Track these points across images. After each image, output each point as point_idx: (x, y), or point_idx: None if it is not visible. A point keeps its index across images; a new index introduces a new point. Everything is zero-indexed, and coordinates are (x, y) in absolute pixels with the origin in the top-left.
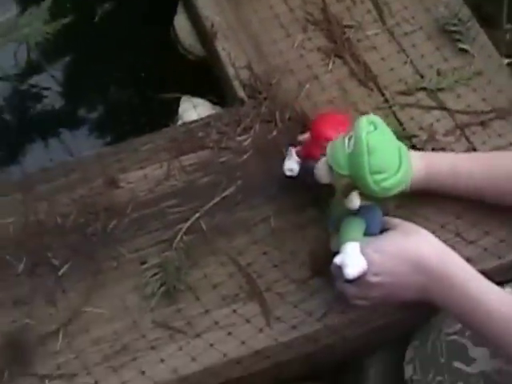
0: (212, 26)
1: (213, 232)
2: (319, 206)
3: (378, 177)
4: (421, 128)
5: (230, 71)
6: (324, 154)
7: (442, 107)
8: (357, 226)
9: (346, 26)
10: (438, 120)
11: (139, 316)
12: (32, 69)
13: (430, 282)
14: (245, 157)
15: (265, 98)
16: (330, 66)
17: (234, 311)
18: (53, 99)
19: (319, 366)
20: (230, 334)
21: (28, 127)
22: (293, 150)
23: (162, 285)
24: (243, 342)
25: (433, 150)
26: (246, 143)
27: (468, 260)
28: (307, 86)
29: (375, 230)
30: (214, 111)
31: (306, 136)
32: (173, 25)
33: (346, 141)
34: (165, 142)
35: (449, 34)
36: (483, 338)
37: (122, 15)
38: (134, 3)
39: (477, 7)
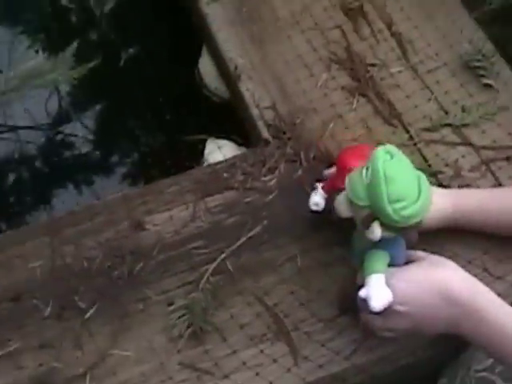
0: (236, 68)
1: (239, 272)
2: (345, 244)
3: (397, 205)
4: (446, 164)
5: (254, 112)
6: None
7: (467, 143)
8: (380, 258)
9: (369, 65)
10: (463, 156)
11: (166, 358)
12: (60, 115)
13: (460, 315)
14: (270, 197)
15: (289, 138)
16: (354, 105)
17: (262, 351)
18: (80, 144)
19: None
20: (257, 374)
21: (55, 172)
22: (319, 185)
23: (188, 326)
24: (271, 383)
25: (459, 186)
26: (271, 183)
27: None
28: (331, 125)
29: (399, 262)
30: (239, 152)
31: (331, 170)
32: (197, 67)
33: (364, 172)
34: (190, 184)
35: (473, 69)
36: None
37: (147, 58)
38: (158, 46)
39: (502, 43)
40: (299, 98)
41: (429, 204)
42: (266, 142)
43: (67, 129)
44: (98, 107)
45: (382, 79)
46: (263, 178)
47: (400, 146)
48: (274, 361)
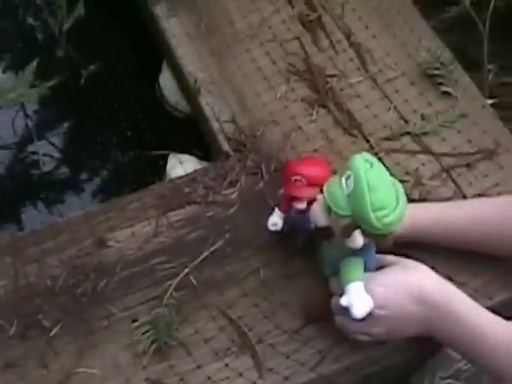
0: (195, 81)
1: (203, 286)
2: (307, 255)
3: (380, 213)
4: (407, 173)
5: (215, 126)
6: (298, 198)
7: (428, 151)
8: (357, 265)
9: (328, 76)
10: (423, 164)
11: (132, 374)
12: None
13: (434, 316)
14: (232, 210)
15: (250, 151)
16: (314, 116)
17: (227, 365)
18: (43, 162)
19: None
20: None
21: (18, 191)
22: (275, 208)
23: (153, 342)
24: None
25: (420, 194)
26: (232, 196)
27: None
28: (292, 136)
29: (372, 268)
30: (200, 166)
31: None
32: (158, 82)
33: (344, 181)
34: (152, 199)
35: (431, 78)
36: (489, 373)
37: (108, 75)
38: (118, 63)
39: (460, 51)
40: (259, 110)
41: (405, 210)
42: (227, 156)
43: (30, 147)
44: (59, 125)
45: (341, 90)
46: (225, 192)
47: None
48: (240, 374)
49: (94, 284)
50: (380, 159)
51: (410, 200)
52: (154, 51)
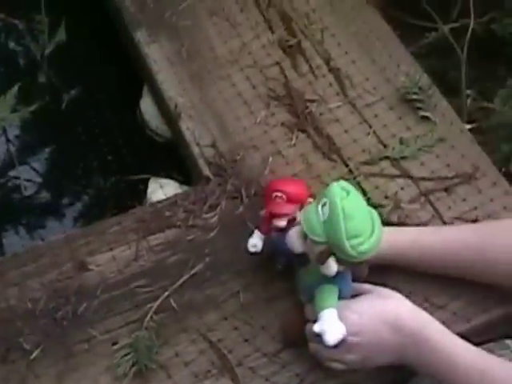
0: (176, 106)
1: (183, 309)
2: (287, 279)
3: (355, 241)
4: (386, 197)
5: (195, 150)
6: (278, 214)
7: (406, 175)
8: (331, 293)
9: (308, 100)
10: (402, 188)
11: None
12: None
13: (409, 344)
14: (212, 234)
15: (230, 176)
16: (294, 141)
17: None
18: (24, 187)
19: None
20: None
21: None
22: (255, 229)
23: (133, 365)
24: None
25: (398, 218)
26: (212, 220)
27: None
28: (270, 160)
29: (347, 295)
30: (180, 190)
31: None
32: (139, 107)
33: (320, 208)
34: (132, 223)
35: (410, 102)
36: None
37: (89, 101)
38: (99, 88)
39: (439, 76)
40: (239, 135)
41: (381, 238)
42: (207, 180)
43: (12, 172)
44: (40, 150)
45: (320, 114)
46: (205, 216)
47: (339, 180)
48: None
49: (75, 307)
50: (359, 183)
51: (389, 224)
52: (134, 76)
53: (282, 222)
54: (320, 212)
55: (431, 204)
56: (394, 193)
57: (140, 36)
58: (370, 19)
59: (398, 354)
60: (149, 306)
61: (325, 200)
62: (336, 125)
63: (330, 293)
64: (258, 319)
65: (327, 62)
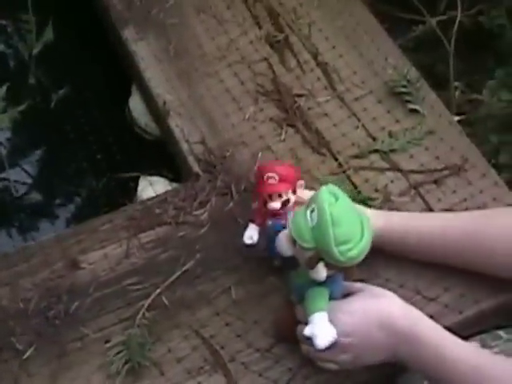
0: (164, 103)
1: (175, 306)
2: (278, 274)
3: (344, 247)
4: (376, 190)
5: (184, 147)
6: (274, 191)
7: (396, 168)
8: (322, 296)
9: (296, 95)
10: (392, 181)
11: None
12: None
13: (400, 342)
14: (203, 230)
15: (219, 172)
16: (283, 136)
17: None
18: (12, 188)
19: None
20: None
21: None
22: (250, 222)
23: (126, 362)
24: None
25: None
26: (203, 217)
27: (430, 317)
28: (260, 156)
29: (338, 295)
30: (170, 187)
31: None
32: (128, 106)
33: (308, 214)
34: (123, 221)
35: (399, 95)
36: None
37: (77, 99)
38: (88, 87)
39: (427, 69)
40: (228, 131)
41: (370, 242)
42: (197, 177)
43: (2, 174)
44: (29, 150)
45: (309, 109)
46: (195, 212)
47: (329, 174)
48: None
49: (67, 306)
50: (349, 177)
51: None
52: (123, 74)
53: (277, 204)
54: (309, 218)
55: (421, 196)
56: (383, 186)
57: (127, 34)
58: (357, 13)
59: (390, 352)
60: (141, 303)
61: (313, 206)
62: (325, 119)
63: (320, 295)
64: (250, 315)
65: (315, 56)
